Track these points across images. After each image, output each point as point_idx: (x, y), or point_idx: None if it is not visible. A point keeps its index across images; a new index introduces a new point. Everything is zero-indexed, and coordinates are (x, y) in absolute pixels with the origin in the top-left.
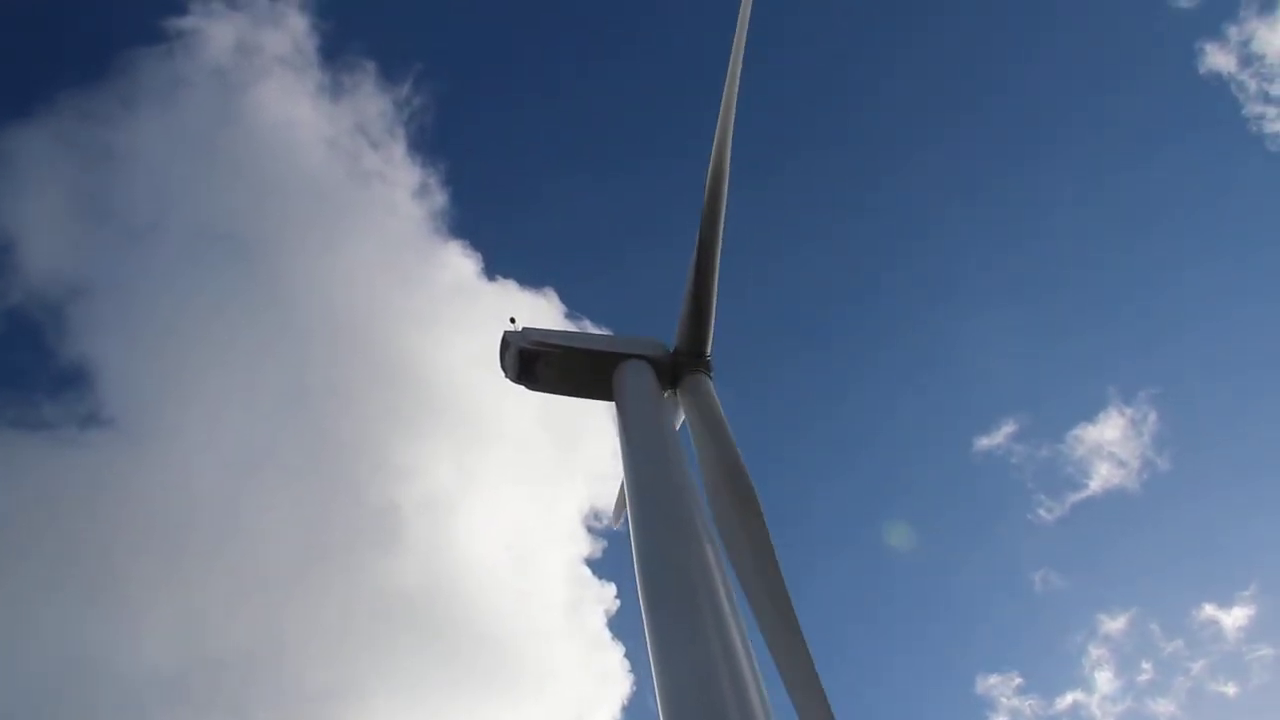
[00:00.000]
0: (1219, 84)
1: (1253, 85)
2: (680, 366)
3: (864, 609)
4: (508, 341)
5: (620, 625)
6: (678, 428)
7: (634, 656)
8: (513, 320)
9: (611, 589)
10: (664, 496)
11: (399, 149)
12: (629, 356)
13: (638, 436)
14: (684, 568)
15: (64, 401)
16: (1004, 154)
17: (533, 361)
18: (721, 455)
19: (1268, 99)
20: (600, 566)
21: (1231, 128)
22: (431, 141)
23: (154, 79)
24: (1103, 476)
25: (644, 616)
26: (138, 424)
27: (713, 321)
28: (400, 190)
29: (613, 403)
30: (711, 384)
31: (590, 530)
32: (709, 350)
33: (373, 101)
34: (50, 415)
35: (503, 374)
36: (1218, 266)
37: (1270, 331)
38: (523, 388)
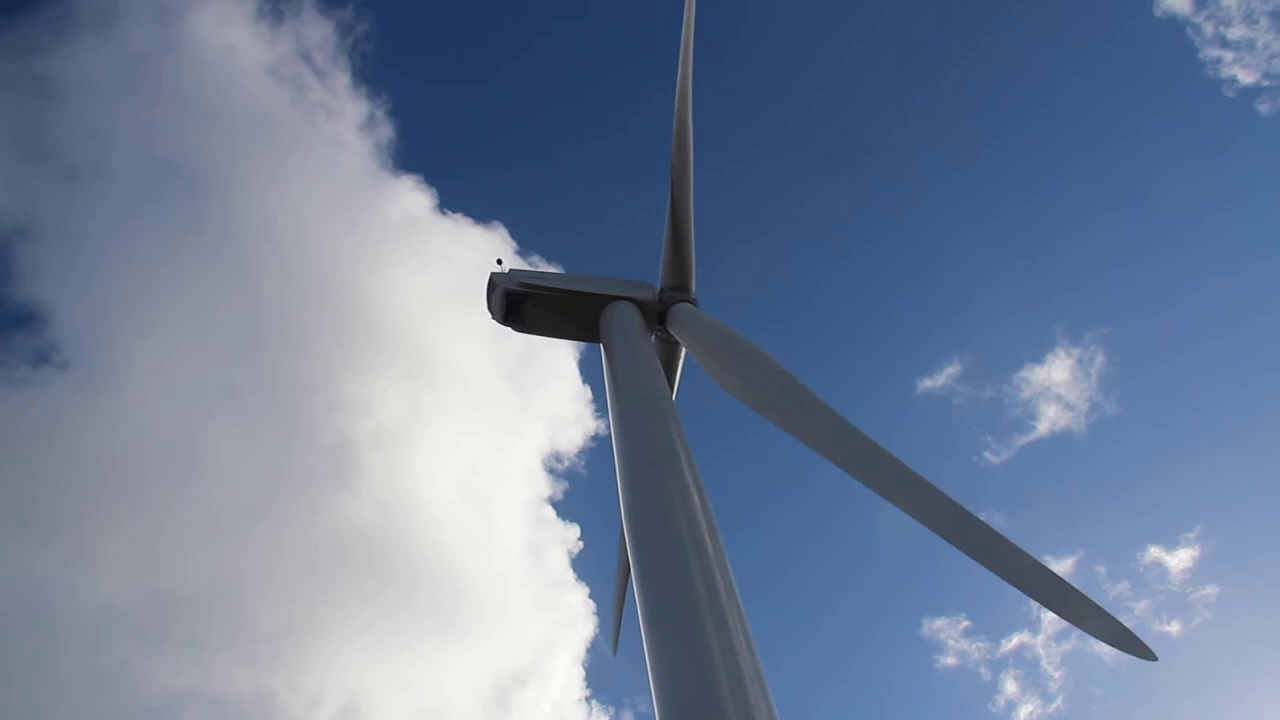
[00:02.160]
0: (1175, 26)
1: (1209, 28)
2: (667, 305)
3: (808, 554)
4: (494, 283)
5: (583, 566)
6: (680, 361)
7: (598, 597)
8: (499, 262)
9: (575, 530)
10: (650, 435)
11: (343, 78)
12: (616, 298)
13: (625, 377)
14: (672, 516)
15: (14, 342)
16: (953, 95)
17: (519, 303)
18: (733, 345)
19: (1224, 43)
20: (563, 507)
21: (1188, 71)
22: (375, 70)
23: (87, 5)
24: (1049, 419)
25: (632, 571)
26: (92, 362)
27: (693, 257)
28: (346, 122)
29: (599, 344)
30: (700, 312)
31: (551, 472)
32: (693, 286)
33: (314, 27)
34: (1, 355)
35: (489, 316)
36: (1168, 208)
37: (1220, 273)
38: (510, 329)
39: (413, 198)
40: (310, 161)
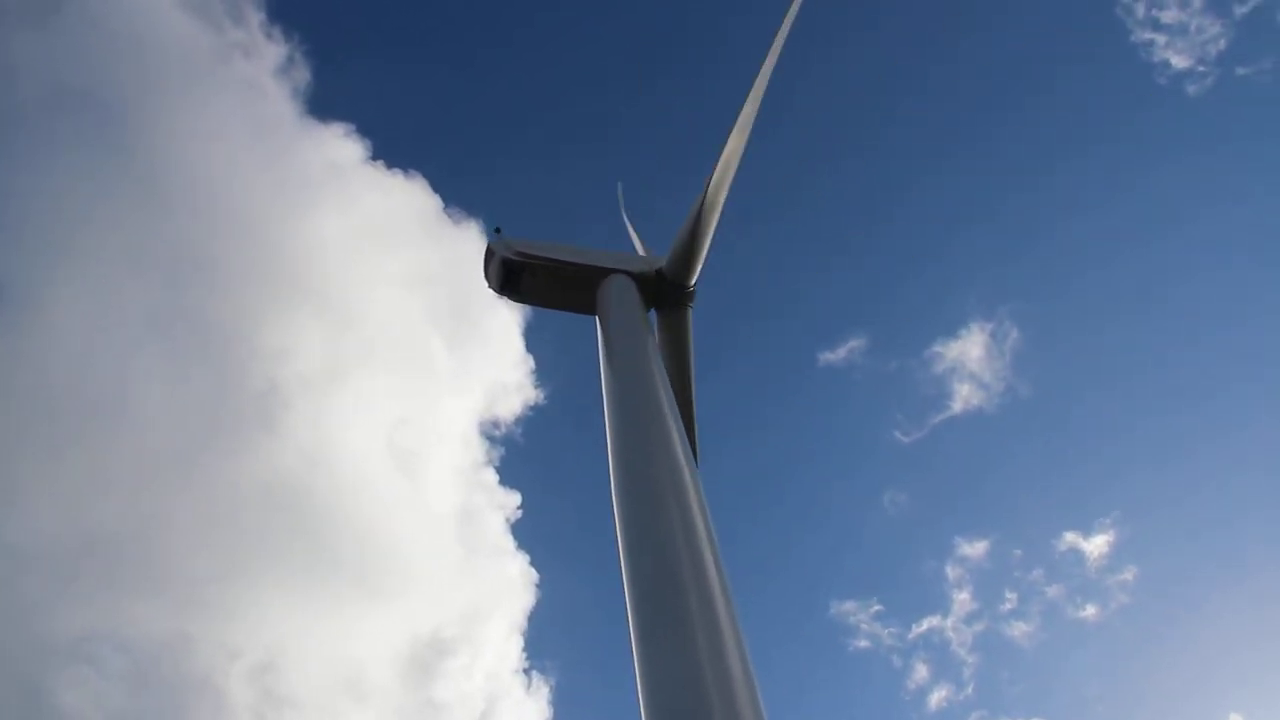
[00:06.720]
0: (1104, 6)
1: (1140, 9)
2: (665, 288)
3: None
4: (492, 251)
5: (523, 533)
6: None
7: (540, 565)
8: (498, 230)
9: (515, 497)
10: (645, 416)
11: (258, 17)
12: (614, 271)
13: (619, 353)
14: (661, 499)
15: None
16: (862, 72)
17: (517, 273)
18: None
19: (1157, 26)
20: (501, 473)
21: (1118, 55)
22: (290, 7)
23: None
24: (963, 397)
25: (622, 562)
26: (21, 303)
27: (705, 253)
28: (264, 64)
29: (596, 317)
30: (690, 316)
31: (490, 438)
32: (695, 279)
33: None
34: None
35: (486, 284)
36: (1097, 196)
37: (1141, 249)
38: (506, 299)
39: (337, 145)
40: (230, 101)
